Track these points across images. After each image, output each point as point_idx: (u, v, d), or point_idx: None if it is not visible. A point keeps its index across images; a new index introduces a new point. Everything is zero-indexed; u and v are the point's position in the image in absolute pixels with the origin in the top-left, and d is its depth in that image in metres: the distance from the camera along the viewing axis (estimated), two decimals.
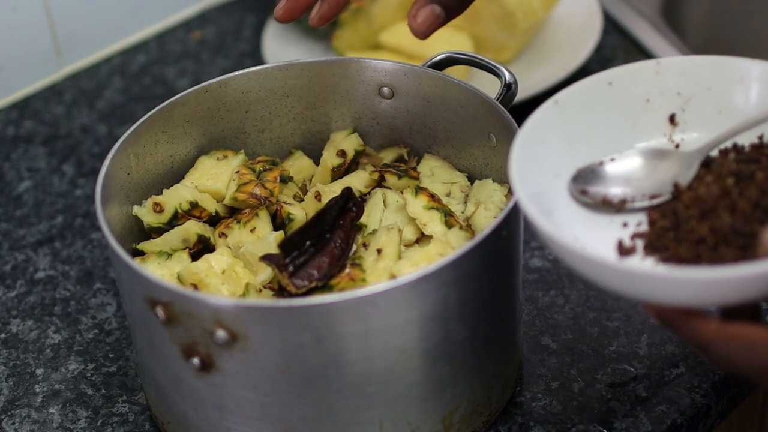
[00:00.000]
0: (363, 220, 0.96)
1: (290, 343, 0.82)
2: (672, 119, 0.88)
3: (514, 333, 0.94)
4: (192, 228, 0.95)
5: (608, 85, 0.88)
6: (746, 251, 0.76)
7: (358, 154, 1.03)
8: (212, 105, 1.01)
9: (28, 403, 0.99)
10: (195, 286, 0.90)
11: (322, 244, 0.91)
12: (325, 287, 0.89)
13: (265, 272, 0.92)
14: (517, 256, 0.91)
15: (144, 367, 0.93)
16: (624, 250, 0.80)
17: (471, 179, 1.01)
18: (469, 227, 0.94)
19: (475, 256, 0.83)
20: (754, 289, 0.72)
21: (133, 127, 0.95)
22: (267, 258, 0.89)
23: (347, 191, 0.94)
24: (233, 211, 0.99)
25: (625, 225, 0.83)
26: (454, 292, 0.84)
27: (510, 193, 0.94)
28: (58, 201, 1.20)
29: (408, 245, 0.94)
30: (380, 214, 0.96)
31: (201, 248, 0.96)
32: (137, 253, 0.96)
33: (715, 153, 0.85)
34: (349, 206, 0.94)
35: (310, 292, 0.89)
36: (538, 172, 0.84)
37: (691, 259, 0.77)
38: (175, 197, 0.97)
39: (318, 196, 0.97)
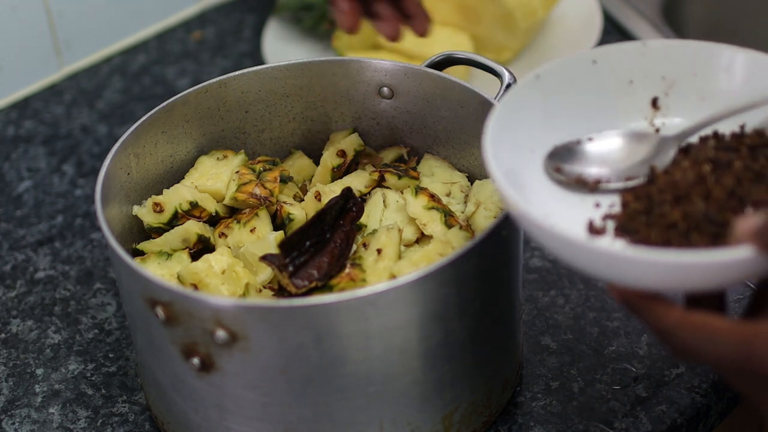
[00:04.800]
0: (363, 220, 0.96)
1: (290, 343, 0.82)
2: (654, 103, 0.87)
3: (514, 333, 0.94)
4: (192, 228, 0.95)
5: (592, 63, 0.86)
6: (717, 240, 0.74)
7: (358, 154, 1.03)
8: (212, 105, 1.01)
9: (28, 403, 0.99)
10: (195, 286, 0.90)
11: (322, 244, 0.91)
12: (325, 287, 0.89)
13: (265, 272, 0.92)
14: (517, 256, 0.91)
15: (144, 367, 0.93)
16: (594, 230, 0.80)
17: (471, 179, 1.01)
18: (469, 227, 0.94)
19: (475, 256, 0.83)
20: (720, 277, 0.71)
21: (133, 127, 0.95)
22: (267, 258, 0.89)
23: (347, 191, 0.94)
24: (233, 211, 0.99)
25: (597, 205, 0.82)
26: (454, 292, 0.84)
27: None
28: (58, 201, 1.20)
29: (408, 245, 0.95)
30: (380, 214, 0.96)
31: (201, 248, 0.96)
32: (137, 253, 0.96)
33: (695, 140, 0.84)
34: (349, 206, 0.94)
35: (310, 292, 0.89)
36: (514, 147, 0.82)
37: (661, 244, 0.76)
38: (175, 197, 0.97)
39: (318, 196, 0.97)
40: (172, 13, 1.43)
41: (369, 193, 0.99)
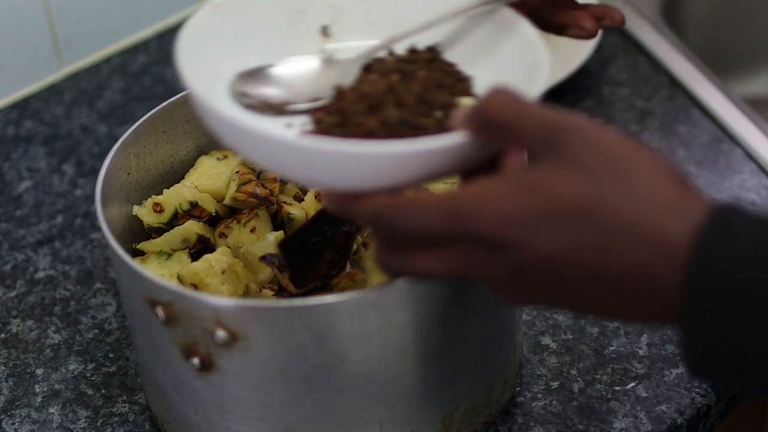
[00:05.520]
0: None
1: (290, 343, 0.82)
2: (325, 30, 0.89)
3: (514, 333, 0.94)
4: (192, 228, 0.95)
5: None
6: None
7: None
8: None
9: (28, 403, 0.99)
10: (195, 286, 0.90)
11: (322, 244, 0.91)
12: (325, 287, 0.89)
13: (265, 272, 0.92)
14: None
15: (144, 367, 0.93)
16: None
17: None
18: None
19: None
20: (429, 166, 0.71)
21: (133, 127, 0.95)
22: (267, 258, 0.89)
23: None
24: (233, 211, 0.99)
25: (289, 125, 0.82)
26: (454, 292, 0.84)
27: None
28: (58, 201, 1.20)
29: None
30: None
31: (201, 248, 0.96)
32: (137, 253, 0.96)
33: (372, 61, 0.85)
34: None
35: (310, 292, 0.89)
36: (200, 76, 0.82)
37: None
38: (175, 197, 0.97)
39: (318, 196, 0.97)
40: (172, 13, 1.43)
41: None
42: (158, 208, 0.96)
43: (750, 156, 1.19)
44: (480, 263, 0.69)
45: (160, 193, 0.98)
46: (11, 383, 1.01)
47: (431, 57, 0.84)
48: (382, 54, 0.85)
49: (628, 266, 0.65)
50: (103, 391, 1.00)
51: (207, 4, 0.85)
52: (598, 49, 1.32)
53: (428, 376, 0.87)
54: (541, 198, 0.66)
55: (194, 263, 0.91)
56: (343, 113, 0.79)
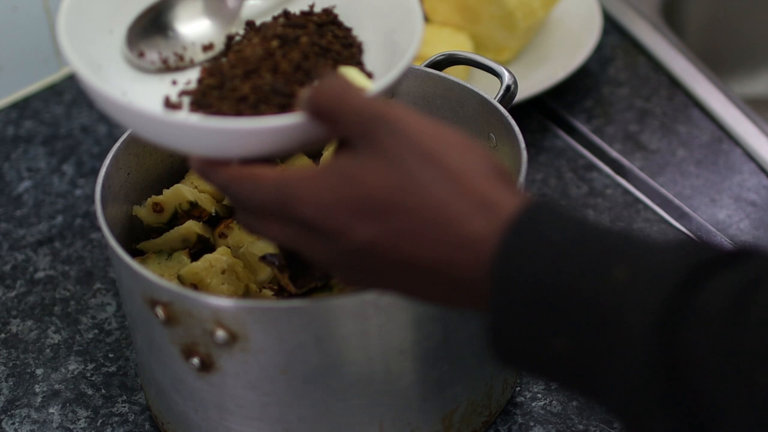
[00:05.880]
0: None
1: (290, 343, 0.82)
2: None
3: None
4: (192, 228, 0.95)
5: None
6: (285, 110, 0.78)
7: None
8: None
9: (28, 403, 0.99)
10: (195, 286, 0.90)
11: None
12: (325, 287, 0.89)
13: (265, 272, 0.92)
14: None
15: (144, 367, 0.93)
16: (171, 106, 0.82)
17: None
18: None
19: None
20: (272, 142, 0.74)
21: None
22: (267, 258, 0.89)
23: None
24: (233, 211, 0.99)
25: (174, 83, 0.84)
26: None
27: None
28: (58, 201, 1.20)
29: None
30: None
31: (201, 248, 0.96)
32: (137, 253, 0.96)
33: (269, 19, 0.86)
34: None
35: (310, 292, 0.89)
36: (91, 29, 0.83)
37: (233, 116, 0.79)
38: (175, 197, 0.97)
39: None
40: None
41: None
42: (158, 208, 0.96)
43: (750, 156, 1.19)
44: (308, 244, 0.72)
45: (160, 193, 0.98)
46: (11, 383, 1.01)
47: (325, 20, 0.85)
48: (277, 13, 0.86)
49: (436, 258, 0.67)
50: (103, 391, 1.00)
51: None
52: (598, 49, 1.32)
53: (428, 376, 0.87)
54: (354, 189, 0.69)
55: (194, 263, 0.91)
56: (222, 75, 0.81)
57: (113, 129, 1.29)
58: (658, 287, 0.62)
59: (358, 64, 0.83)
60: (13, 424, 0.98)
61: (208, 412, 0.88)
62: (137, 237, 0.97)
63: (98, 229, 1.15)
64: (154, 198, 0.97)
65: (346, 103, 0.70)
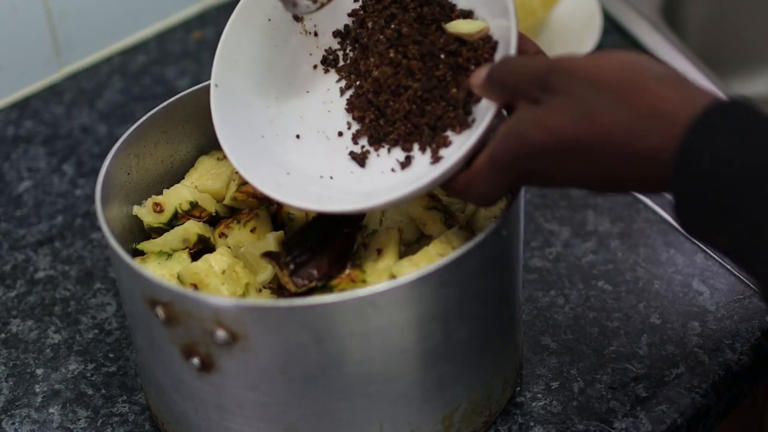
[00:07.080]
0: (363, 220, 0.96)
1: (290, 343, 0.82)
2: None
3: (514, 333, 0.94)
4: (192, 228, 0.95)
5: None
6: (444, 101, 0.85)
7: None
8: None
9: (28, 403, 0.99)
10: (195, 286, 0.90)
11: (322, 244, 0.91)
12: (325, 288, 0.89)
13: (265, 272, 0.92)
14: (517, 256, 0.91)
15: (144, 367, 0.93)
16: (360, 158, 0.88)
17: None
18: (469, 227, 0.94)
19: (475, 256, 0.83)
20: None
21: (133, 127, 0.95)
22: (268, 255, 0.89)
23: None
24: (233, 211, 0.99)
25: (340, 135, 0.90)
26: (454, 292, 0.84)
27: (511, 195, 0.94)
28: (58, 201, 1.20)
29: (408, 245, 0.94)
30: (380, 214, 0.96)
31: (201, 248, 0.96)
32: (137, 253, 0.96)
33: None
34: None
35: (309, 292, 0.89)
36: (246, 139, 0.91)
37: (407, 132, 0.86)
38: (175, 197, 0.97)
39: None
40: (172, 13, 1.43)
41: None
42: (158, 208, 0.96)
43: None
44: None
45: (160, 193, 0.98)
46: (11, 383, 1.01)
47: None
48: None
49: (630, 133, 0.74)
50: (103, 391, 1.00)
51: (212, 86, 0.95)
52: (598, 49, 1.32)
53: (428, 376, 0.87)
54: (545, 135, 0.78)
55: (194, 263, 0.91)
56: (372, 104, 0.88)
57: (113, 129, 1.29)
58: None
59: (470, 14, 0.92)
60: (13, 424, 0.98)
61: (208, 412, 0.88)
62: (137, 237, 0.97)
63: (98, 229, 1.15)
64: (154, 198, 0.97)
65: (521, 71, 0.81)
